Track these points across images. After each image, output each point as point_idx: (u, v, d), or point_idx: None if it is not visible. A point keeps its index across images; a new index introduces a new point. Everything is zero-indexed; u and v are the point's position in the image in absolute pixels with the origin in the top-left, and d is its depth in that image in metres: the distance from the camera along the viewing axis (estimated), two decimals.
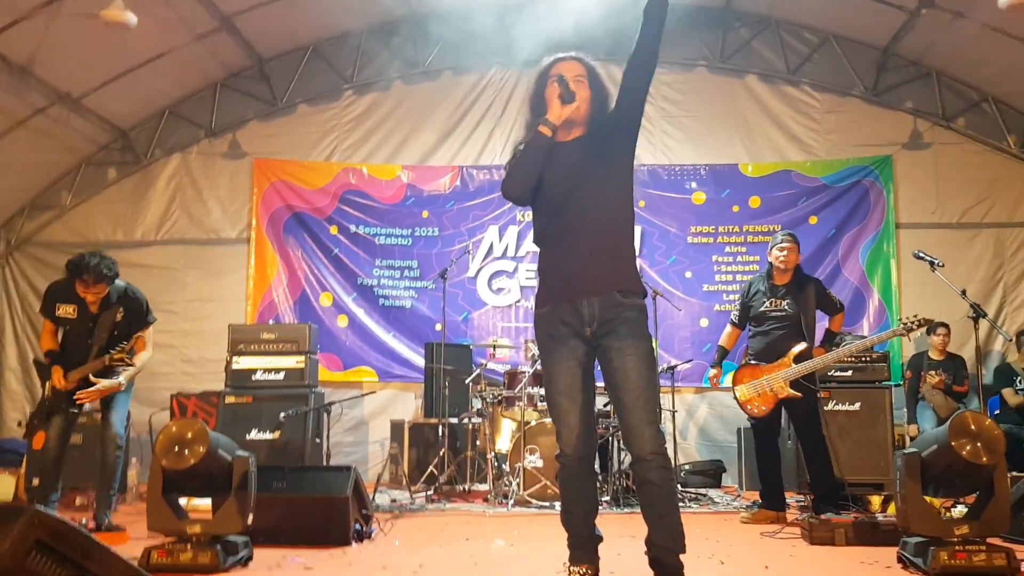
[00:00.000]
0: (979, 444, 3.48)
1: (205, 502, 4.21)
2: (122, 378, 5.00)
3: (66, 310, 5.05)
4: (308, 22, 8.44)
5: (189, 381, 8.32)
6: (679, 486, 6.90)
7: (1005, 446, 3.52)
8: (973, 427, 3.52)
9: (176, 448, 3.84)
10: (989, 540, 3.56)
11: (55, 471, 5.05)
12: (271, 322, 8.28)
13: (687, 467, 7.71)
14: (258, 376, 6.93)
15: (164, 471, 3.87)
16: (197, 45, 8.01)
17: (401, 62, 8.92)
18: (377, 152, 8.88)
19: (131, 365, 4.99)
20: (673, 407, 7.17)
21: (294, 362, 6.95)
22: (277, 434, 6.69)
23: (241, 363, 6.97)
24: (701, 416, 8.36)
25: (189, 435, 3.85)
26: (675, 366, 7.29)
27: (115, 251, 8.54)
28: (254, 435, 6.71)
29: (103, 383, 4.94)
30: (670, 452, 6.61)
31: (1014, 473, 5.52)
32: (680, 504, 6.10)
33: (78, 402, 4.95)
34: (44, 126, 7.96)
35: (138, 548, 3.83)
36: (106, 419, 5.12)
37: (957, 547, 3.48)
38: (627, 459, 6.69)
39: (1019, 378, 7.25)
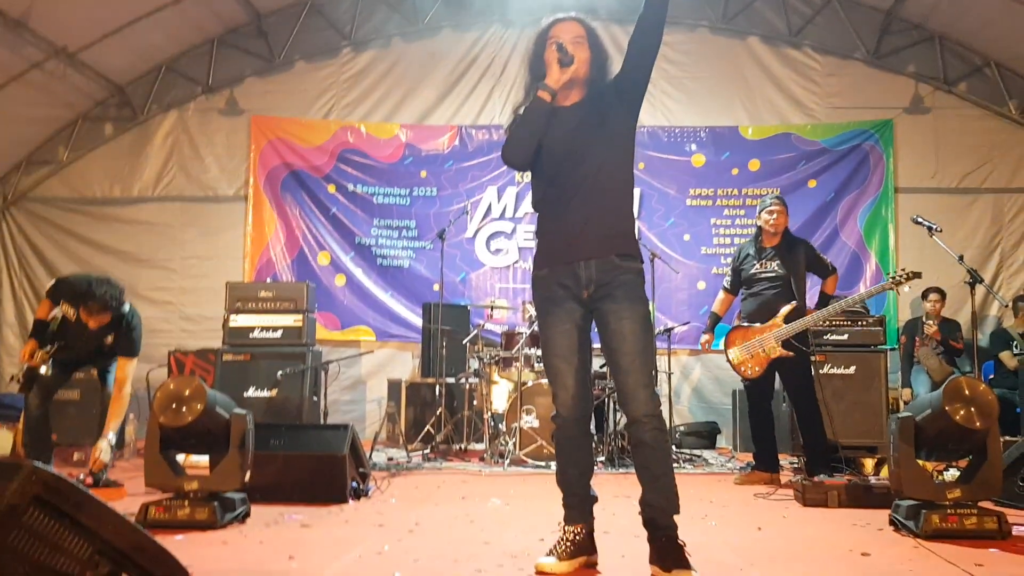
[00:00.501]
0: (973, 409, 3.50)
1: (203, 459, 4.23)
2: (104, 444, 4.95)
3: (68, 310, 5.09)
4: None
5: (187, 338, 8.35)
6: (674, 447, 6.96)
7: (998, 411, 3.54)
8: (967, 392, 3.54)
9: (174, 405, 3.86)
10: (981, 504, 3.60)
11: (43, 430, 5.10)
12: (268, 280, 8.28)
13: (682, 428, 7.77)
14: (256, 334, 6.94)
15: (162, 428, 3.89)
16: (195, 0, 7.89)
17: (400, 18, 8.82)
18: (375, 110, 8.81)
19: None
20: (669, 369, 7.20)
21: (292, 320, 6.96)
22: (275, 392, 6.73)
23: (239, 321, 6.98)
24: (696, 378, 8.40)
25: (187, 392, 3.86)
26: (671, 328, 7.30)
27: (112, 207, 8.67)
28: (252, 392, 6.75)
29: (100, 453, 4.89)
30: (665, 414, 6.68)
31: (1007, 438, 5.57)
32: (675, 465, 6.21)
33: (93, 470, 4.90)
34: (40, 80, 7.87)
35: (135, 504, 3.86)
36: (103, 380, 5.20)
37: (949, 510, 3.52)
38: (622, 420, 6.74)
39: (1015, 343, 7.29)
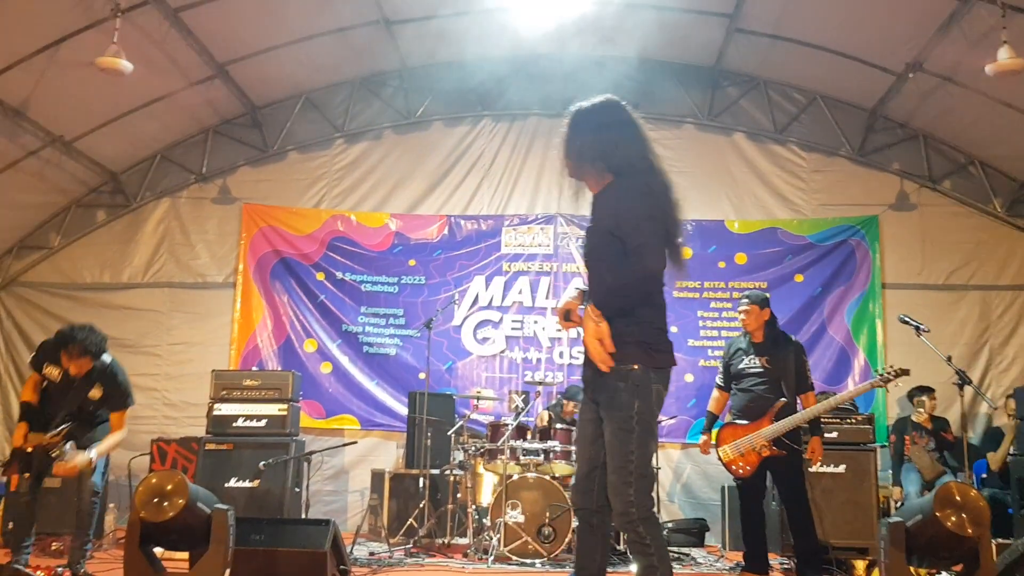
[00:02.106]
0: (964, 515, 3.46)
1: (182, 553, 4.13)
2: (93, 454, 4.91)
3: (51, 372, 5.08)
4: (301, 71, 8.53)
5: (170, 425, 8.24)
6: None
7: (990, 518, 3.50)
8: (958, 498, 3.51)
9: (155, 499, 3.80)
10: None
11: (28, 516, 4.95)
12: (255, 368, 8.22)
13: (670, 525, 7.60)
14: (240, 423, 6.84)
15: (142, 522, 3.80)
16: (191, 91, 8.08)
17: (393, 112, 9.02)
18: (366, 200, 8.92)
19: (57, 451, 4.86)
20: (657, 464, 7.11)
21: (276, 409, 6.87)
22: (256, 482, 6.57)
23: (223, 409, 6.89)
24: (685, 473, 8.29)
25: (169, 487, 3.81)
26: (659, 421, 7.23)
27: (101, 293, 8.66)
28: (233, 483, 6.60)
29: (78, 459, 4.83)
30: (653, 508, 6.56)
31: (999, 540, 5.49)
32: None
33: (54, 473, 4.86)
34: (36, 168, 7.98)
35: None
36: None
37: None
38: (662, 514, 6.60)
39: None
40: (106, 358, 5.10)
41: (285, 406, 6.89)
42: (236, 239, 8.80)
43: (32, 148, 7.72)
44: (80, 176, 8.52)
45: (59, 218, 8.82)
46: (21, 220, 8.63)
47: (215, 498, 4.10)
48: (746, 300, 5.62)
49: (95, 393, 5.05)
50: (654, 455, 3.58)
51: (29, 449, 4.94)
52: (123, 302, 8.62)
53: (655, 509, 3.23)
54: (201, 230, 8.85)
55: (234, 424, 6.85)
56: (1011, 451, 7.01)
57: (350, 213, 8.87)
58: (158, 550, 4.13)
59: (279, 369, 8.18)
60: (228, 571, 3.91)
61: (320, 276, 8.72)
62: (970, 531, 3.42)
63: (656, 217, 3.04)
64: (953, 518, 3.44)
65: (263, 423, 6.85)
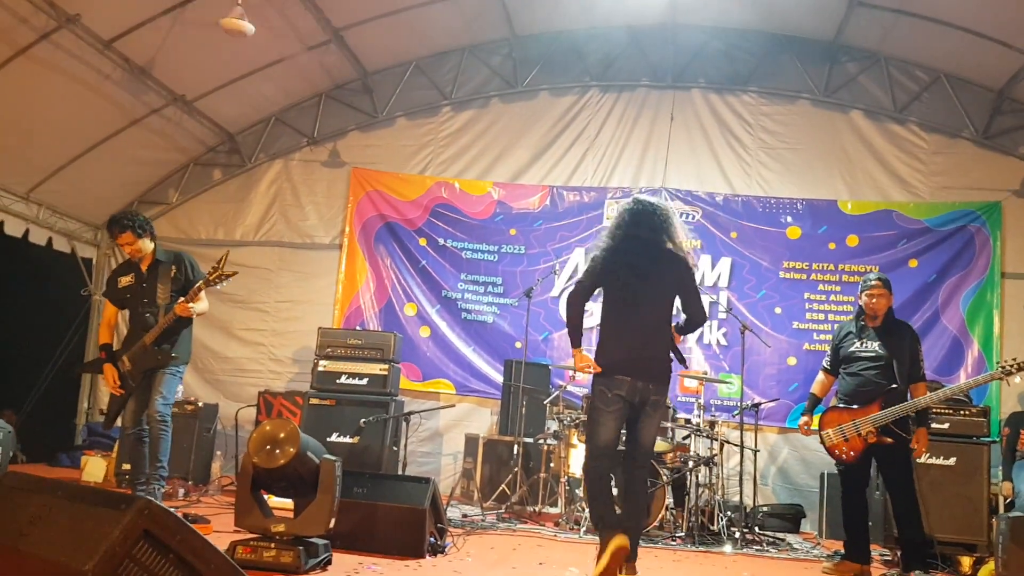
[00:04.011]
0: None
1: (285, 501, 4.28)
2: (197, 307, 5.24)
3: (125, 280, 5.43)
4: (413, 38, 8.62)
5: (275, 379, 8.56)
6: (756, 528, 6.72)
7: None
8: None
9: (268, 447, 3.94)
10: None
11: (139, 455, 5.20)
12: (357, 327, 8.43)
13: (765, 509, 7.47)
14: (343, 380, 7.06)
15: (255, 468, 3.96)
16: (307, 55, 8.26)
17: (500, 80, 9.03)
18: (470, 168, 8.99)
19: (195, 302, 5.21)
20: (756, 446, 7.00)
21: (378, 369, 7.06)
22: (356, 439, 6.80)
23: (327, 366, 7.12)
24: (782, 457, 8.13)
25: (281, 435, 3.94)
26: (759, 404, 7.12)
27: (214, 249, 8.95)
28: (334, 438, 6.84)
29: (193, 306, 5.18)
30: (748, 491, 6.53)
31: None
32: (758, 547, 6.02)
33: (177, 311, 5.13)
34: (158, 125, 8.32)
35: (220, 541, 3.91)
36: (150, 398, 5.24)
37: None
38: (703, 496, 6.55)
39: None
40: (171, 251, 5.54)
41: (386, 366, 7.06)
42: (344, 202, 9.01)
43: (155, 106, 8.05)
44: (199, 135, 8.86)
45: (178, 175, 9.20)
46: (142, 176, 9.04)
47: (324, 449, 4.23)
48: (880, 282, 5.38)
49: (172, 272, 5.31)
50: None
51: (129, 368, 5.22)
52: (235, 259, 8.62)
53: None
54: (311, 192, 9.10)
55: (337, 381, 7.07)
56: None
57: (454, 180, 8.96)
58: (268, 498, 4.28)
59: (380, 330, 8.37)
60: (333, 521, 4.03)
61: (423, 242, 8.86)
62: None
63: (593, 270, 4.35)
64: None
65: (365, 381, 7.04)
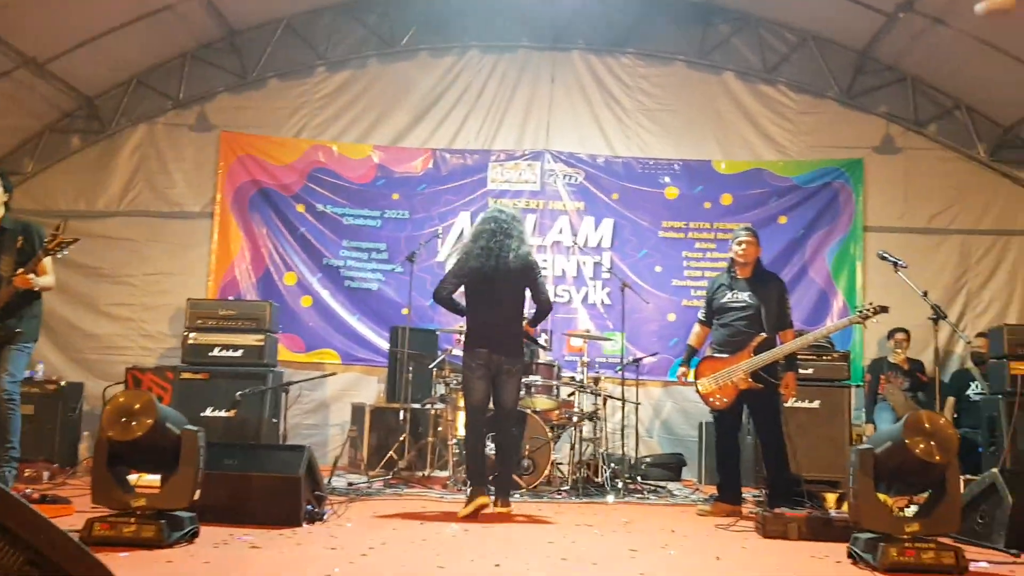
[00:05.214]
0: (933, 443, 3.48)
1: (156, 478, 4.10)
2: (40, 281, 4.91)
3: None
4: None
5: (147, 356, 8.19)
6: (639, 478, 6.91)
7: (958, 445, 3.52)
8: (927, 425, 3.52)
9: (123, 419, 3.74)
10: (939, 539, 3.57)
11: None
12: (232, 299, 8.14)
13: (648, 460, 7.69)
14: (215, 352, 6.82)
15: (110, 442, 3.77)
16: (169, 13, 7.81)
17: (377, 40, 8.82)
18: (348, 131, 8.76)
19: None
20: (637, 400, 7.16)
21: (253, 340, 6.85)
22: (233, 412, 6.59)
23: (199, 339, 6.86)
24: (665, 410, 8.36)
25: (136, 406, 3.76)
26: (640, 359, 7.28)
27: (77, 221, 8.48)
28: (209, 412, 6.61)
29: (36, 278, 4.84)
30: (630, 444, 6.70)
31: (968, 476, 5.58)
32: (639, 496, 6.20)
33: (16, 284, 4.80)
34: (8, 90, 7.75)
35: (81, 521, 3.73)
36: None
37: (907, 544, 3.48)
38: (587, 451, 6.69)
39: (975, 383, 7.33)
40: (20, 219, 5.13)
41: (262, 336, 6.86)
42: (214, 168, 8.63)
43: (4, 69, 7.50)
44: (54, 100, 8.30)
45: (32, 144, 8.59)
46: None
47: (185, 419, 4.06)
48: (748, 232, 5.65)
49: (18, 243, 4.93)
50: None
51: None
52: (99, 231, 8.45)
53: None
54: (178, 158, 8.67)
55: (210, 354, 6.83)
56: (980, 390, 7.11)
57: (332, 144, 8.72)
58: (133, 478, 4.10)
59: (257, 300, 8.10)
60: (198, 492, 3.88)
61: (300, 208, 8.60)
62: (938, 458, 3.43)
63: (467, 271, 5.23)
64: (922, 445, 3.45)
65: (239, 353, 6.83)
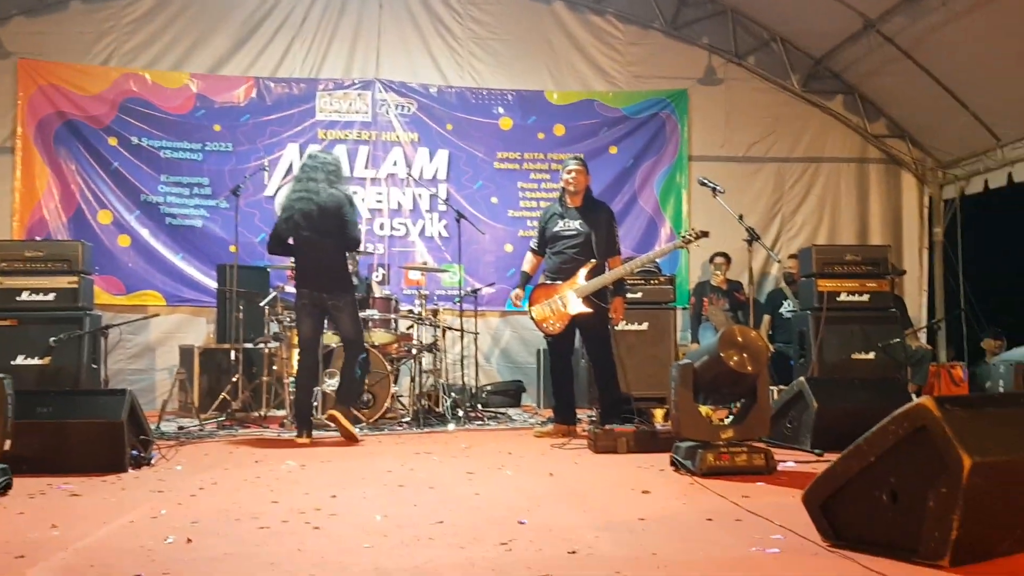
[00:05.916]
0: (745, 355, 3.71)
1: None
2: None
3: None
4: None
5: None
6: (480, 406, 7.04)
7: (768, 357, 3.79)
8: (740, 339, 3.75)
9: None
10: (751, 443, 3.85)
11: None
12: (39, 240, 7.52)
13: (488, 388, 7.85)
14: (24, 297, 6.28)
15: None
16: None
17: None
18: (162, 58, 8.17)
19: None
20: (476, 330, 7.24)
21: (66, 282, 6.34)
22: (47, 360, 6.13)
23: (4, 282, 6.29)
24: (504, 339, 8.51)
25: None
26: (478, 289, 7.35)
27: None
28: (21, 360, 6.12)
29: None
30: (471, 374, 6.81)
31: (781, 387, 6.04)
32: (480, 422, 6.34)
33: None
34: None
35: None
36: None
37: (722, 449, 3.74)
38: (427, 382, 6.73)
39: (788, 301, 7.89)
40: None
41: (75, 278, 6.37)
42: (12, 99, 7.85)
43: None
44: None
45: None
46: None
47: None
48: (577, 161, 5.78)
49: None
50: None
51: None
52: None
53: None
54: None
55: (17, 298, 6.28)
56: (791, 307, 7.67)
57: (144, 72, 8.11)
58: None
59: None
60: (7, 443, 3.61)
61: (113, 141, 7.98)
62: (750, 368, 3.68)
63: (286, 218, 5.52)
64: (735, 357, 3.68)
65: (51, 297, 6.32)
